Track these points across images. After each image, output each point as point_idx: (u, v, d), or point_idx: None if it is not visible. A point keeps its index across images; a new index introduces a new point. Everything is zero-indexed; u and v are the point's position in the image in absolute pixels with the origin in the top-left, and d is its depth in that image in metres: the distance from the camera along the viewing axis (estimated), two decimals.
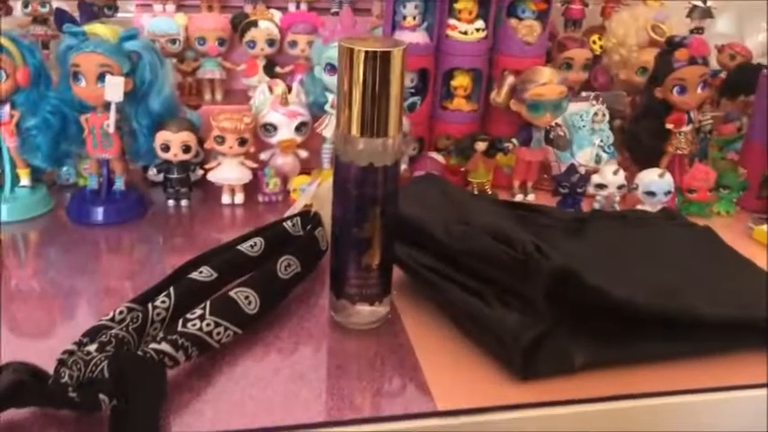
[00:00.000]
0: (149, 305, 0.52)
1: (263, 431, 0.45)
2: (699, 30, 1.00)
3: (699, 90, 0.79)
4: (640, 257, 0.60)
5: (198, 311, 0.50)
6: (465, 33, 0.81)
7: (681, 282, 0.56)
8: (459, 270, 0.55)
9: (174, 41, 0.84)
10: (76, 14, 0.85)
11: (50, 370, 0.45)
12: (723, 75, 0.99)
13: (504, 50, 0.84)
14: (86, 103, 0.71)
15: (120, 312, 0.52)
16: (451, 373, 0.52)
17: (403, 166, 0.80)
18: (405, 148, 0.82)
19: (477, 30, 0.82)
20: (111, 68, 0.68)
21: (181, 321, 0.49)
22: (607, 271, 0.56)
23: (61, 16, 0.83)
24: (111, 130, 0.71)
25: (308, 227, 0.63)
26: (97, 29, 0.73)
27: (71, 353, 0.46)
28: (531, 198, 0.84)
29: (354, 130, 0.50)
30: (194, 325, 0.49)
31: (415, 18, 0.81)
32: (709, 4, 1.01)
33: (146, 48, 0.71)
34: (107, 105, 0.70)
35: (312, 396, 0.48)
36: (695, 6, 1.01)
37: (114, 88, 0.69)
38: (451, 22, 0.82)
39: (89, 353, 0.45)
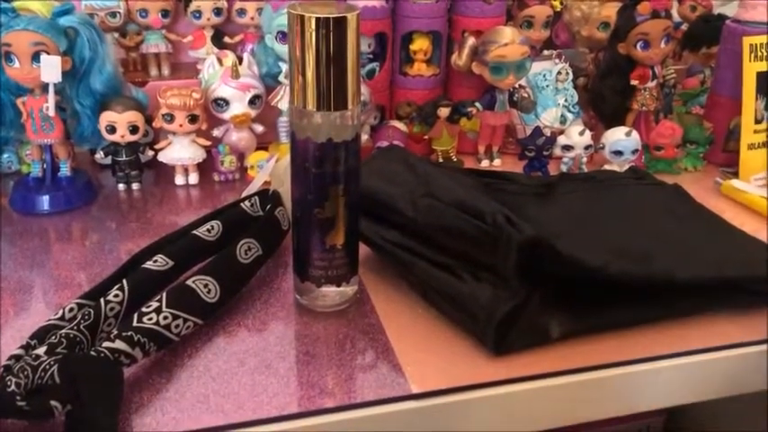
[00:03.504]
0: (101, 300, 0.49)
1: (230, 427, 0.43)
2: None
3: (662, 44, 0.77)
4: (612, 221, 0.59)
5: (154, 304, 0.48)
6: None
7: (654, 244, 0.54)
8: (428, 245, 0.53)
9: (113, 15, 0.79)
10: None
11: None
12: (684, 27, 0.98)
13: (462, 11, 0.81)
14: (22, 86, 0.66)
15: (71, 309, 0.49)
16: (425, 352, 0.50)
17: (365, 137, 0.78)
18: (365, 118, 0.79)
19: None
20: (46, 47, 0.64)
21: (136, 316, 0.47)
22: (579, 237, 0.55)
23: None
24: (52, 113, 0.67)
25: (268, 206, 0.60)
26: (29, 4, 0.68)
27: (18, 358, 0.44)
28: (497, 163, 0.82)
29: (310, 105, 0.47)
30: (150, 319, 0.46)
31: None
32: None
33: (83, 23, 0.67)
34: (45, 87, 0.66)
35: (280, 386, 0.46)
36: None
37: (51, 68, 0.64)
38: None
39: (37, 357, 0.43)
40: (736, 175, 0.77)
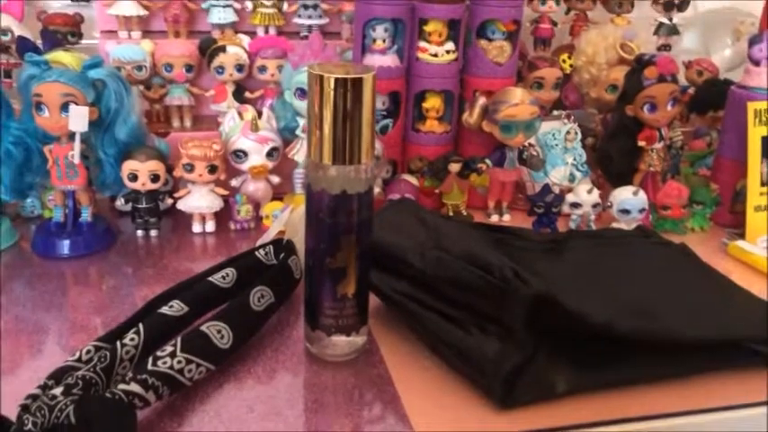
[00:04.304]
0: (118, 343, 0.50)
1: None
2: (666, 47, 1.02)
3: (669, 107, 0.79)
4: (619, 278, 0.60)
5: (168, 348, 0.49)
6: (435, 56, 0.81)
7: (660, 302, 0.55)
8: (437, 297, 0.54)
9: (140, 68, 0.82)
10: (40, 42, 0.83)
11: (13, 416, 0.43)
12: (691, 90, 1.00)
13: (474, 71, 0.84)
14: (50, 134, 0.69)
15: (87, 352, 0.50)
16: (431, 403, 0.50)
17: (377, 190, 0.80)
18: (378, 172, 0.81)
19: (448, 52, 0.81)
20: (74, 98, 0.67)
21: (151, 359, 0.48)
22: (586, 293, 0.56)
23: (24, 45, 0.81)
24: (76, 160, 0.69)
25: (282, 255, 0.62)
26: (60, 57, 0.71)
27: (35, 397, 0.45)
28: (506, 218, 0.83)
29: (326, 158, 0.49)
30: (165, 363, 0.48)
31: (384, 41, 0.81)
32: (675, 20, 1.02)
33: (111, 75, 0.70)
34: (71, 135, 0.68)
35: None
36: (662, 23, 1.02)
37: (78, 118, 0.67)
38: (422, 44, 0.81)
39: (54, 397, 0.44)
40: (742, 236, 0.78)
